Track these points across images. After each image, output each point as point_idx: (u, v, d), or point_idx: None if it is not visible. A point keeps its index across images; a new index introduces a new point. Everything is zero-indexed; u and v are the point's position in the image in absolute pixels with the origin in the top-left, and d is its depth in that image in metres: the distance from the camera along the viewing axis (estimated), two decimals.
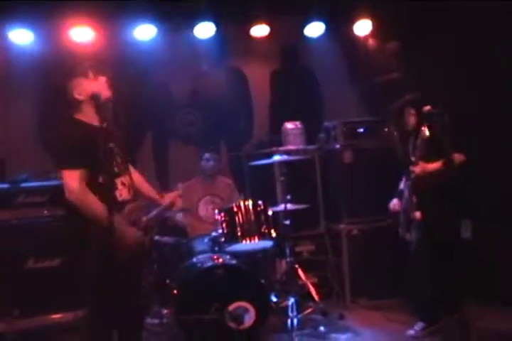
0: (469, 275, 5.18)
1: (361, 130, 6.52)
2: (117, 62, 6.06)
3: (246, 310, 4.99)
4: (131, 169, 4.10)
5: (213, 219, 5.74)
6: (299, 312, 5.42)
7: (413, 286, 5.30)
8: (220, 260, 5.25)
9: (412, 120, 5.13)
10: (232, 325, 4.94)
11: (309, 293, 5.77)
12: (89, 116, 3.68)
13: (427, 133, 4.64)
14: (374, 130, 6.51)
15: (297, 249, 6.34)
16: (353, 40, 7.31)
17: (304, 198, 6.00)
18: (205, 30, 6.77)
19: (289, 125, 6.81)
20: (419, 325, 5.16)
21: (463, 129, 4.83)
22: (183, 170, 6.85)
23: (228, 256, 5.36)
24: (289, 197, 5.73)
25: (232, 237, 5.37)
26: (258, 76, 7.69)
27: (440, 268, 5.07)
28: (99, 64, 3.88)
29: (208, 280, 5.04)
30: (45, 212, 5.57)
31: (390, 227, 5.73)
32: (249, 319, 4.99)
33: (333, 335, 5.39)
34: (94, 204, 3.55)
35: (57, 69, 4.07)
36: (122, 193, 3.75)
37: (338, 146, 6.45)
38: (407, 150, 5.16)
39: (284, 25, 7.17)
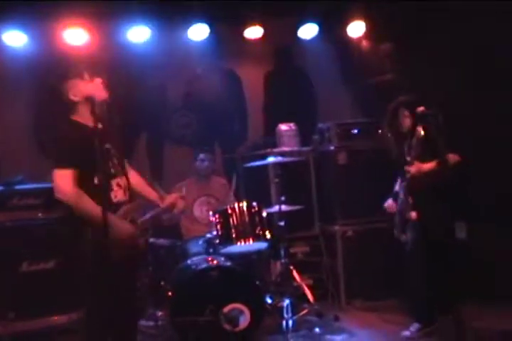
0: (466, 275, 5.19)
1: (355, 131, 6.53)
2: (111, 64, 6.05)
3: (241, 312, 4.99)
4: (131, 170, 4.10)
5: (208, 220, 5.73)
6: (294, 313, 5.41)
7: (408, 287, 5.30)
8: (215, 262, 5.25)
9: (406, 121, 5.14)
10: (227, 326, 4.94)
11: (304, 295, 5.77)
12: (85, 117, 3.67)
13: (422, 133, 4.64)
14: (368, 131, 6.51)
15: (292, 251, 6.33)
16: (347, 41, 7.33)
17: (299, 200, 6.00)
18: (198, 32, 6.76)
19: (283, 127, 6.82)
20: (414, 326, 5.15)
21: (457, 130, 4.84)
22: (177, 171, 6.84)
23: (223, 258, 5.35)
24: (283, 198, 5.73)
25: (226, 239, 5.36)
26: (252, 78, 7.70)
27: (435, 269, 5.08)
28: (94, 65, 3.88)
29: (202, 282, 5.04)
30: (40, 214, 5.55)
31: (384, 228, 5.73)
32: (244, 321, 4.99)
33: (329, 337, 5.38)
34: (89, 206, 3.55)
35: (52, 71, 4.06)
36: (117, 195, 3.74)
37: (332, 148, 6.46)
38: (402, 151, 5.17)
39: (277, 27, 7.18)
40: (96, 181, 3.51)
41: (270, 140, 6.78)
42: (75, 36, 6.29)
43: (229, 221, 5.38)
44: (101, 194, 3.46)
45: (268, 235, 5.42)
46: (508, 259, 5.47)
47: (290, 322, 5.34)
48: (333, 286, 6.37)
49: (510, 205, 5.41)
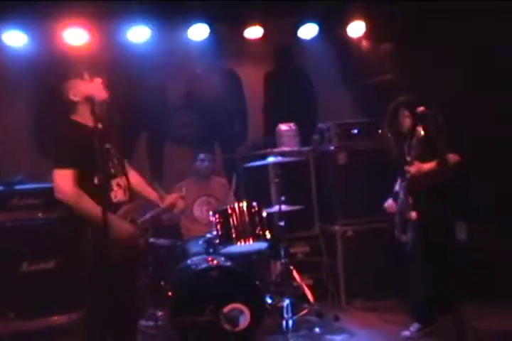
0: (466, 275, 5.19)
1: (355, 131, 6.53)
2: (111, 64, 6.05)
3: (241, 312, 4.99)
4: (131, 170, 4.11)
5: (208, 220, 5.74)
6: (294, 313, 5.41)
7: (409, 287, 5.29)
8: (215, 262, 5.25)
9: (406, 121, 5.13)
10: (227, 326, 4.94)
11: (304, 295, 5.77)
12: (85, 117, 3.67)
13: (422, 133, 4.64)
14: (368, 131, 6.51)
15: (292, 251, 6.33)
16: (347, 41, 7.32)
17: (299, 200, 6.00)
18: (199, 31, 6.76)
19: (283, 126, 6.82)
20: (414, 326, 5.15)
21: (457, 130, 4.85)
22: (177, 171, 6.85)
23: (223, 258, 5.35)
24: (283, 198, 5.73)
25: (226, 239, 5.36)
26: (252, 78, 7.69)
27: (436, 269, 5.07)
28: (94, 65, 3.88)
29: (202, 282, 5.04)
30: (40, 214, 5.55)
31: (384, 229, 5.73)
32: (244, 321, 4.99)
33: (328, 337, 5.38)
34: (89, 206, 3.55)
35: (52, 71, 4.06)
36: (117, 195, 3.74)
37: (332, 148, 6.46)
38: (402, 151, 5.16)
39: (277, 27, 7.17)
40: (96, 181, 3.51)
41: (270, 140, 6.78)
42: (75, 36, 6.29)
43: (229, 221, 5.38)
44: (101, 194, 3.46)
45: (268, 235, 5.42)
46: (508, 259, 5.47)
47: (290, 322, 5.34)
48: (333, 286, 6.37)
49: (510, 205, 5.41)
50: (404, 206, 5.12)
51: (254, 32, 6.98)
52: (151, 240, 5.58)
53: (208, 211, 5.96)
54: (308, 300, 5.72)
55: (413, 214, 5.03)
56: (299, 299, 5.67)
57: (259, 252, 5.72)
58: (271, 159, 5.77)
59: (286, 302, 5.42)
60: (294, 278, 5.79)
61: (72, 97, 3.73)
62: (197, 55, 7.06)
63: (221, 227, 5.40)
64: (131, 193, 3.91)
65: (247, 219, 5.40)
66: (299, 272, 5.88)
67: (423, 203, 5.01)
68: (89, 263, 3.60)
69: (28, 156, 6.38)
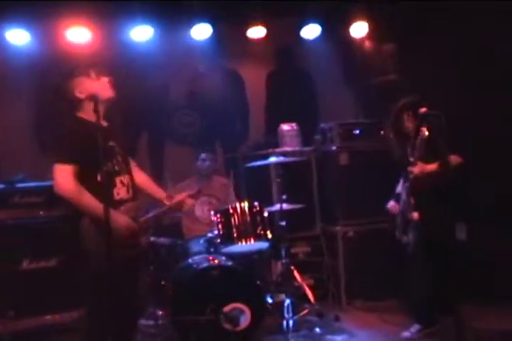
0: (466, 275, 5.19)
1: (357, 132, 6.53)
2: (113, 63, 6.05)
3: (241, 312, 4.99)
4: (137, 169, 4.13)
5: (209, 219, 5.74)
6: (294, 313, 5.41)
7: (410, 288, 5.29)
8: (216, 261, 5.25)
9: (409, 123, 5.13)
10: (227, 326, 4.94)
11: (305, 295, 5.77)
12: (90, 114, 3.67)
13: (426, 133, 4.64)
14: (370, 132, 6.51)
15: (293, 251, 6.34)
16: (349, 41, 7.32)
17: (300, 200, 5.99)
18: (201, 31, 6.77)
19: (285, 126, 6.81)
20: (415, 327, 5.15)
21: (458, 130, 4.84)
22: (178, 170, 6.84)
23: (224, 258, 5.35)
24: (284, 197, 5.72)
25: (227, 238, 5.36)
26: (254, 77, 7.70)
27: (437, 270, 5.07)
28: (100, 64, 3.91)
29: (203, 282, 5.04)
30: (41, 212, 5.56)
31: (385, 229, 5.72)
32: (244, 320, 4.99)
33: (329, 337, 5.38)
34: (89, 202, 3.57)
35: (56, 69, 4.09)
36: (120, 192, 3.74)
37: (334, 148, 6.46)
38: (405, 152, 5.15)
39: (280, 27, 7.18)
40: (99, 178, 3.51)
41: (272, 139, 6.78)
42: (78, 35, 6.30)
43: (230, 220, 5.38)
44: (103, 191, 3.47)
45: (269, 235, 5.42)
46: (508, 259, 5.47)
47: (291, 322, 5.34)
48: (333, 286, 6.37)
49: (510, 205, 5.41)
50: (406, 207, 5.11)
51: (256, 32, 6.98)
52: (152, 239, 5.57)
53: (209, 211, 5.97)
54: (308, 300, 5.73)
55: (415, 215, 5.02)
56: (299, 299, 5.67)
57: (260, 252, 5.71)
58: (273, 159, 5.76)
59: (287, 302, 5.42)
60: (294, 278, 5.79)
61: (78, 95, 3.76)
62: (199, 54, 7.08)
63: (222, 227, 5.40)
64: (136, 191, 3.92)
65: (248, 218, 5.40)
66: (300, 272, 5.88)
67: (425, 204, 5.00)
68: (91, 262, 3.61)
69: (29, 155, 6.38)
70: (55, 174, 3.60)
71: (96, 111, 3.52)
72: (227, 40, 7.11)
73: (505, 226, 5.44)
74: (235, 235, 5.34)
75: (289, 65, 7.80)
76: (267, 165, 6.27)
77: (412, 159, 4.97)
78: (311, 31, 7.15)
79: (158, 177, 6.86)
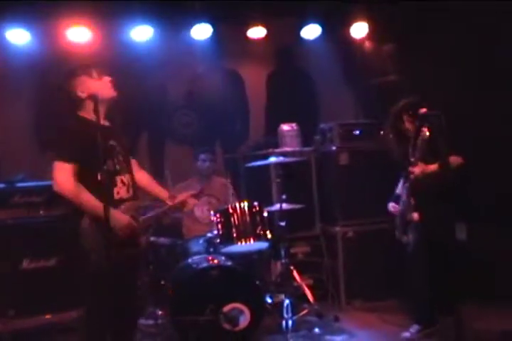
0: (466, 275, 5.18)
1: (357, 132, 6.53)
2: (114, 63, 6.05)
3: (241, 312, 4.99)
4: (139, 169, 4.14)
5: (209, 220, 5.74)
6: (294, 313, 5.40)
7: (410, 288, 5.29)
8: (216, 261, 5.26)
9: (409, 123, 5.13)
10: (226, 326, 4.94)
11: (304, 295, 5.76)
12: (91, 113, 3.67)
13: (427, 133, 4.64)
14: (370, 132, 6.51)
15: (292, 251, 6.33)
16: (350, 42, 7.32)
17: (300, 200, 5.99)
18: (201, 31, 6.76)
19: (285, 127, 6.81)
20: (414, 328, 5.15)
21: (458, 130, 4.84)
22: (178, 171, 6.83)
23: (223, 258, 5.36)
24: (284, 197, 5.72)
25: (227, 238, 5.36)
26: (254, 78, 7.70)
27: (437, 270, 5.07)
28: (103, 64, 3.92)
29: (202, 282, 5.04)
30: (41, 212, 5.57)
31: (385, 229, 5.73)
32: (244, 320, 4.99)
33: (328, 337, 5.38)
34: (88, 200, 3.57)
35: (57, 69, 4.09)
36: (120, 191, 3.75)
37: (333, 148, 6.45)
38: (405, 152, 5.15)
39: (280, 27, 7.18)
40: (99, 177, 3.51)
41: (272, 140, 6.78)
42: (78, 34, 6.30)
43: (230, 220, 5.38)
44: (103, 190, 3.47)
45: (269, 235, 5.41)
46: (508, 259, 5.47)
47: (290, 323, 5.33)
48: (333, 287, 6.36)
49: (510, 205, 5.41)
50: (406, 207, 5.11)
51: (256, 32, 6.97)
52: (152, 239, 5.58)
53: (208, 211, 5.97)
54: (308, 301, 5.72)
55: (415, 215, 5.03)
56: (299, 299, 5.66)
57: (259, 252, 5.72)
58: (272, 159, 5.77)
59: (286, 302, 5.42)
60: (294, 278, 5.79)
61: (79, 94, 3.77)
62: (199, 54, 7.07)
63: (222, 227, 5.40)
64: (137, 191, 3.93)
65: (248, 218, 5.40)
66: (300, 272, 5.88)
67: (425, 204, 5.01)
68: (90, 262, 3.61)
69: (29, 155, 6.38)
70: (54, 172, 3.61)
71: (96, 110, 3.53)
72: (227, 40, 7.11)
73: (505, 226, 5.44)
74: (234, 235, 5.33)
75: (289, 65, 7.80)
76: (267, 166, 6.27)
77: (412, 159, 4.97)
78: (311, 31, 7.15)
79: (158, 177, 6.85)
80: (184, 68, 7.20)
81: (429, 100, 5.00)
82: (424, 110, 4.79)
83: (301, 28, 7.13)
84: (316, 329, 5.45)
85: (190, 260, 5.41)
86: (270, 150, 6.19)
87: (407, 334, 5.16)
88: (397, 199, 5.35)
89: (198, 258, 5.38)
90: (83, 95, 3.75)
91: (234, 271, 5.23)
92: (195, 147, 6.89)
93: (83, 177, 3.61)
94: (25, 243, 5.44)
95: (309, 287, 5.90)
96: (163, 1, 6.33)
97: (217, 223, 5.42)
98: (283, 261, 5.73)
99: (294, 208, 5.73)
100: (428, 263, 5.09)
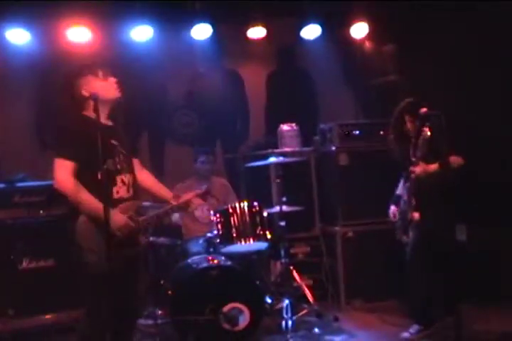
0: (467, 276, 5.19)
1: (357, 132, 6.51)
2: (114, 63, 6.04)
3: (240, 312, 4.99)
4: (142, 169, 4.14)
5: (208, 220, 5.74)
6: (293, 314, 5.41)
7: (409, 288, 5.29)
8: (215, 261, 5.25)
9: (411, 124, 5.13)
10: (226, 326, 4.94)
11: (304, 295, 5.76)
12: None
13: (429, 133, 4.64)
14: (370, 132, 6.50)
15: (292, 251, 6.34)
16: (350, 42, 7.32)
17: (300, 200, 5.99)
18: (201, 31, 6.75)
19: (285, 127, 6.81)
20: (414, 328, 5.14)
21: (458, 129, 4.84)
22: (178, 170, 6.84)
23: (223, 258, 5.35)
24: (284, 198, 5.72)
25: (227, 238, 5.36)
26: (254, 78, 7.69)
27: (437, 270, 5.07)
28: (108, 64, 3.93)
29: (202, 282, 5.04)
30: (41, 212, 5.57)
31: (385, 230, 5.73)
32: (243, 320, 4.99)
33: (328, 337, 5.38)
34: (87, 199, 3.58)
35: (57, 69, 4.09)
36: (120, 191, 3.75)
37: (333, 148, 6.45)
38: (406, 152, 5.15)
39: (280, 27, 7.17)
40: (99, 176, 3.51)
41: (272, 140, 6.78)
42: (78, 34, 6.29)
43: (230, 220, 5.38)
44: (102, 189, 3.47)
45: (268, 235, 5.41)
46: (508, 259, 5.47)
47: (289, 323, 5.33)
48: (332, 287, 6.37)
49: (510, 205, 5.41)
50: (406, 207, 5.11)
51: (256, 32, 6.96)
52: (152, 239, 5.57)
53: (208, 211, 5.96)
54: (307, 301, 5.72)
55: (415, 215, 5.03)
56: (298, 299, 5.66)
57: (259, 252, 5.71)
58: (272, 159, 5.77)
59: (286, 302, 5.42)
60: (293, 279, 5.79)
61: (84, 93, 3.77)
62: (199, 54, 7.08)
63: (222, 227, 5.40)
64: (137, 191, 3.92)
65: (247, 218, 5.40)
66: (299, 272, 5.88)
67: (426, 204, 5.01)
68: (87, 261, 3.61)
69: (29, 154, 6.39)
70: (55, 169, 3.62)
71: (96, 110, 3.53)
72: (227, 40, 7.12)
73: (505, 226, 5.43)
74: (234, 235, 5.33)
75: (289, 65, 7.80)
76: (267, 166, 6.27)
77: (413, 159, 4.97)
78: (311, 31, 7.13)
79: (158, 176, 6.85)
80: (184, 68, 7.21)
81: (429, 100, 5.00)
82: (424, 110, 4.79)
83: (301, 28, 7.12)
84: (316, 330, 5.44)
85: (190, 260, 5.40)
86: (270, 150, 6.19)
87: (406, 334, 5.15)
88: (397, 200, 5.34)
89: (198, 258, 5.38)
90: (87, 94, 3.75)
91: (234, 271, 5.23)
92: (194, 147, 6.89)
93: (83, 175, 3.61)
94: (25, 243, 5.44)
95: (309, 287, 5.90)
96: (163, 1, 6.33)
97: (217, 223, 5.42)
98: (283, 261, 5.74)
99: (294, 209, 5.73)
100: (427, 263, 5.09)
